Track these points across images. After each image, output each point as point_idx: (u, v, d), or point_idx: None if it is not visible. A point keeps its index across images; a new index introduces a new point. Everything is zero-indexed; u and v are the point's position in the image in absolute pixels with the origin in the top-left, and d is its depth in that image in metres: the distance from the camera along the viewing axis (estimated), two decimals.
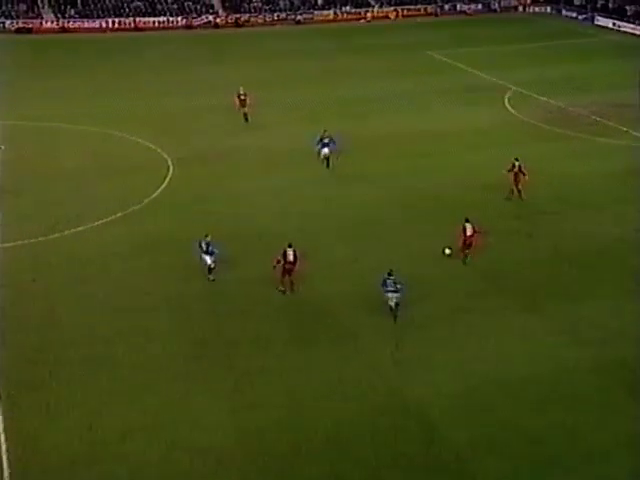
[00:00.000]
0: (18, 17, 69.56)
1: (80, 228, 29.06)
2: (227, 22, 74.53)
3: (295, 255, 24.03)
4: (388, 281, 22.54)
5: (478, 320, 23.06)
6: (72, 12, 71.94)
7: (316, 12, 77.37)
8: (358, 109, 44.98)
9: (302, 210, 30.73)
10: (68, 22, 70.83)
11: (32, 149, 37.69)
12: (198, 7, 75.27)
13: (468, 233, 25.75)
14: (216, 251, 25.06)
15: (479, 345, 21.84)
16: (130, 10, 73.38)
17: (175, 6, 74.94)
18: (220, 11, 75.80)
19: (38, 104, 45.09)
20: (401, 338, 22.04)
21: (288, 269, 24.02)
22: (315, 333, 22.42)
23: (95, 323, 22.93)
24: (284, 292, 24.27)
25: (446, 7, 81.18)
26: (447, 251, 26.32)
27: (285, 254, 23.98)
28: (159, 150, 37.52)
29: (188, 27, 72.77)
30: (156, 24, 72.65)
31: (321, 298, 24.28)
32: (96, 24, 71.36)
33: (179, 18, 73.37)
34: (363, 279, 24.68)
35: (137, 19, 72.22)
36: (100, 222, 29.53)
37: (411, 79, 52.25)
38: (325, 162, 34.36)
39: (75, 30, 70.06)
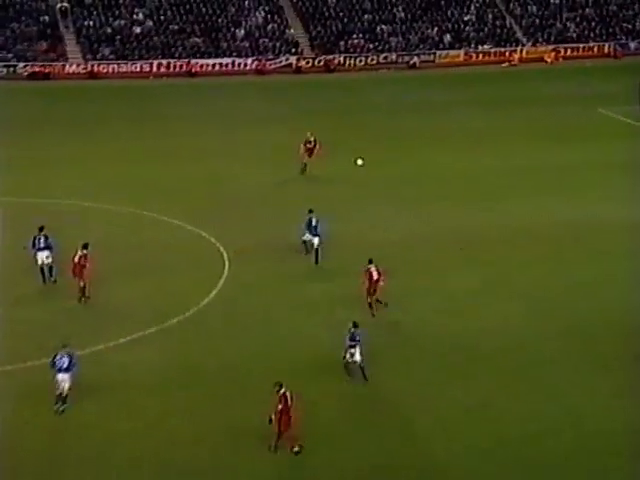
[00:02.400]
0: (35, 59, 73.87)
1: (98, 347, 29.88)
2: (313, 65, 77.30)
3: (290, 396, 24.06)
4: (354, 333, 27.49)
5: None
6: (106, 52, 75.97)
7: (439, 52, 79.51)
8: (485, 187, 45.54)
9: (406, 331, 31.15)
10: (99, 65, 74.82)
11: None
12: (277, 45, 78.35)
13: (375, 277, 31.53)
14: (74, 369, 25.85)
15: None
16: (184, 49, 77.00)
17: (246, 44, 78.14)
18: (306, 50, 78.59)
19: (47, 175, 47.18)
20: None
21: (284, 421, 23.96)
22: None
23: None
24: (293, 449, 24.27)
25: (631, 45, 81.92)
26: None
27: (284, 396, 24.00)
28: (212, 239, 38.65)
29: (260, 72, 75.75)
30: (217, 67, 76.06)
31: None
32: (136, 67, 75.25)
33: (249, 60, 76.46)
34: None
35: (192, 61, 75.80)
36: (125, 339, 30.37)
37: (572, 147, 52.47)
38: (315, 254, 36.12)
39: (108, 75, 73.94)
